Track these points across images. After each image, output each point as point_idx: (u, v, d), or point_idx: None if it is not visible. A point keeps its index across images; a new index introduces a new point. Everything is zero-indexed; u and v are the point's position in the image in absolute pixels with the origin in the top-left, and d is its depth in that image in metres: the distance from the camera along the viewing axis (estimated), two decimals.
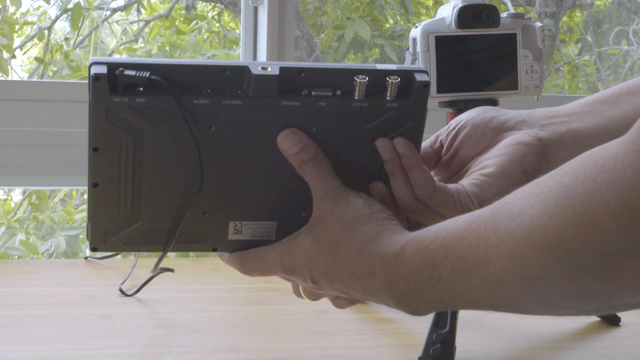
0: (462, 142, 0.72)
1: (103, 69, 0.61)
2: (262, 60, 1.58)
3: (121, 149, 0.63)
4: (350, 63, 0.66)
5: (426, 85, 0.65)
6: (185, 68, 0.63)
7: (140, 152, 0.63)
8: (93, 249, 0.68)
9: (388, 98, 0.65)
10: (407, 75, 0.65)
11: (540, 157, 0.70)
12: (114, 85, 0.61)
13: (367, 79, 0.64)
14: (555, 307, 0.53)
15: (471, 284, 0.55)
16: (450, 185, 0.69)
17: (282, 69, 0.63)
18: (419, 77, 0.66)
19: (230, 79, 0.63)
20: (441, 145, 0.74)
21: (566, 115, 0.71)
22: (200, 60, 0.65)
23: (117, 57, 0.63)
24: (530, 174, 0.69)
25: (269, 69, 0.63)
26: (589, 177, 0.48)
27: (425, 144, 0.74)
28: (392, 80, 0.65)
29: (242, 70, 0.63)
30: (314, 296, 0.70)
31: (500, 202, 0.54)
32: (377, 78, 0.65)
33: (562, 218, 0.48)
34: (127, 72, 0.61)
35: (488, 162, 0.70)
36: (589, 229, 0.47)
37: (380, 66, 0.66)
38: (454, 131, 0.72)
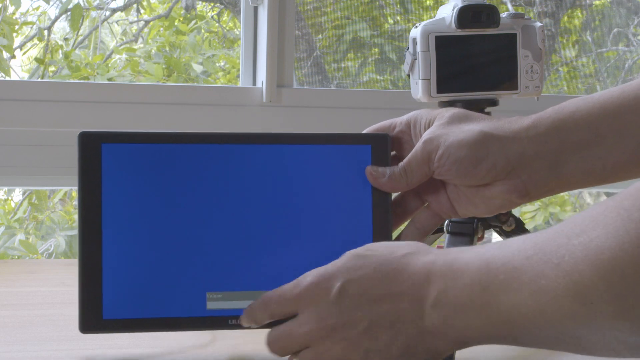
0: (447, 172, 0.71)
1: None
2: (262, 60, 1.58)
3: None
4: None
5: None
6: None
7: None
8: None
9: None
10: None
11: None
12: None
13: None
14: (603, 337, 0.51)
15: (518, 299, 0.54)
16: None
17: None
18: None
19: None
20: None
21: (556, 152, 0.69)
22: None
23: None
24: None
25: None
26: None
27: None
28: None
29: None
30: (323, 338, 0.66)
31: (567, 220, 0.54)
32: None
33: (616, 241, 0.48)
34: None
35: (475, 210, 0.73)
36: None
37: None
38: (440, 161, 0.71)
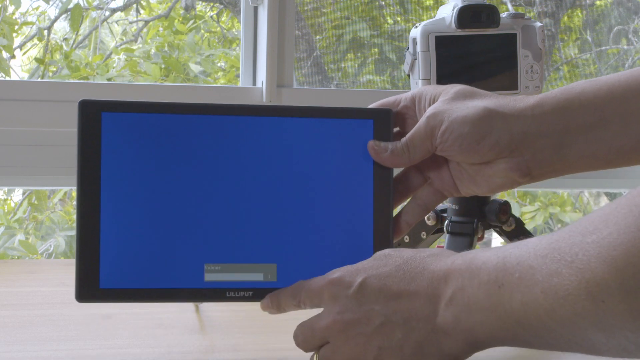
0: (449, 148, 0.70)
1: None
2: (262, 60, 1.58)
3: None
4: None
5: None
6: None
7: None
8: None
9: None
10: None
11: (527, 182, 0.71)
12: None
13: None
14: (614, 337, 0.51)
15: (530, 297, 0.54)
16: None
17: None
18: None
19: None
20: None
21: (560, 133, 0.68)
22: None
23: None
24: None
25: None
26: None
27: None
28: None
29: None
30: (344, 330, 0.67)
31: (582, 219, 0.54)
32: None
33: (628, 237, 0.48)
34: None
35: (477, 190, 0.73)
36: None
37: None
38: (442, 137, 0.71)
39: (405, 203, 0.77)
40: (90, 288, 0.70)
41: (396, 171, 0.75)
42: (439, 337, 0.62)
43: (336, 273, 0.67)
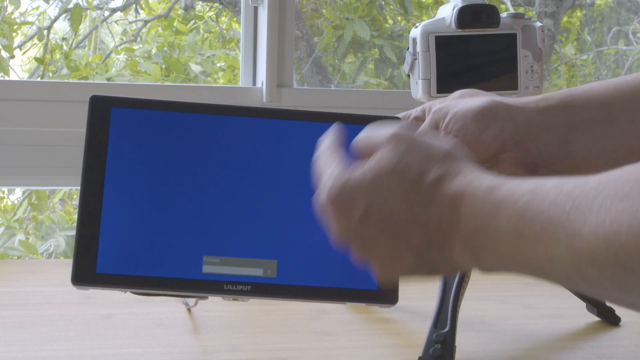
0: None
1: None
2: (262, 60, 1.58)
3: None
4: None
5: None
6: None
7: None
8: None
9: None
10: None
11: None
12: None
13: None
14: (633, 296, 0.48)
15: (555, 252, 0.51)
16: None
17: None
18: None
19: None
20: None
21: (566, 127, 0.67)
22: None
23: None
24: None
25: None
26: None
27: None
28: None
29: None
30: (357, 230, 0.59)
31: (606, 177, 0.50)
32: None
33: None
34: None
35: None
36: None
37: None
38: (453, 128, 0.69)
39: None
40: (87, 272, 0.71)
41: None
42: (455, 267, 0.58)
43: (330, 181, 0.59)
